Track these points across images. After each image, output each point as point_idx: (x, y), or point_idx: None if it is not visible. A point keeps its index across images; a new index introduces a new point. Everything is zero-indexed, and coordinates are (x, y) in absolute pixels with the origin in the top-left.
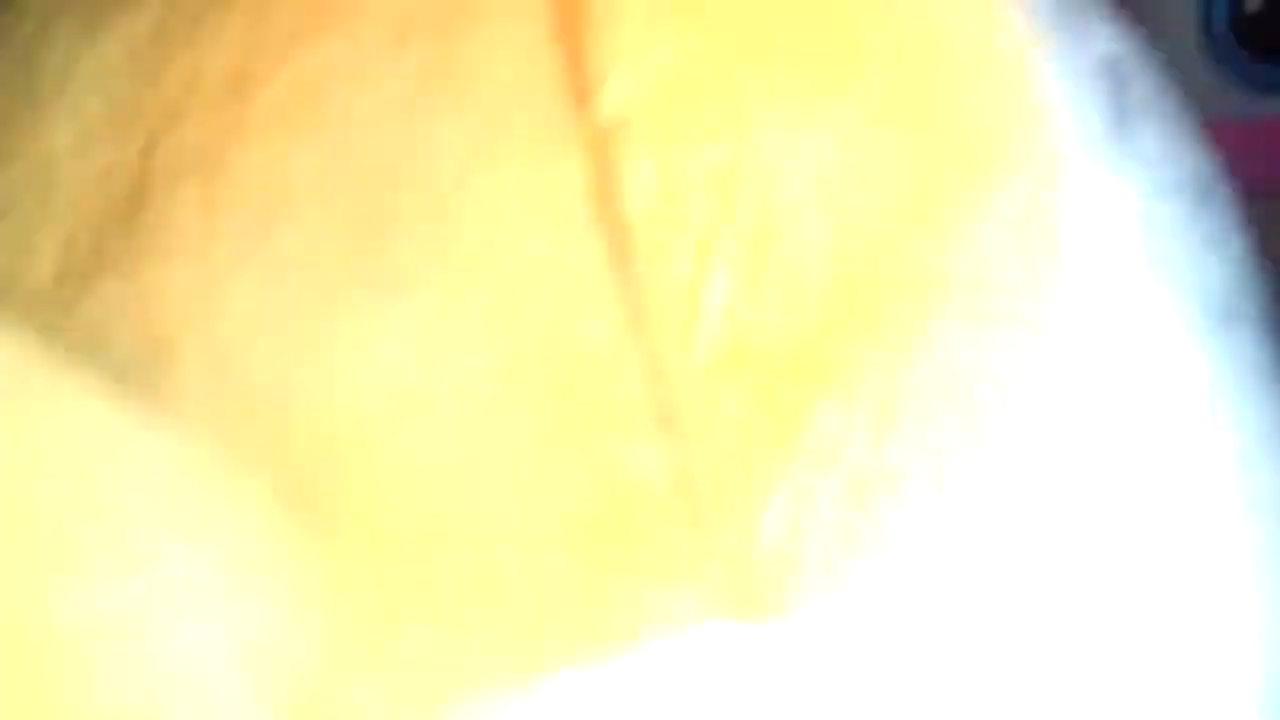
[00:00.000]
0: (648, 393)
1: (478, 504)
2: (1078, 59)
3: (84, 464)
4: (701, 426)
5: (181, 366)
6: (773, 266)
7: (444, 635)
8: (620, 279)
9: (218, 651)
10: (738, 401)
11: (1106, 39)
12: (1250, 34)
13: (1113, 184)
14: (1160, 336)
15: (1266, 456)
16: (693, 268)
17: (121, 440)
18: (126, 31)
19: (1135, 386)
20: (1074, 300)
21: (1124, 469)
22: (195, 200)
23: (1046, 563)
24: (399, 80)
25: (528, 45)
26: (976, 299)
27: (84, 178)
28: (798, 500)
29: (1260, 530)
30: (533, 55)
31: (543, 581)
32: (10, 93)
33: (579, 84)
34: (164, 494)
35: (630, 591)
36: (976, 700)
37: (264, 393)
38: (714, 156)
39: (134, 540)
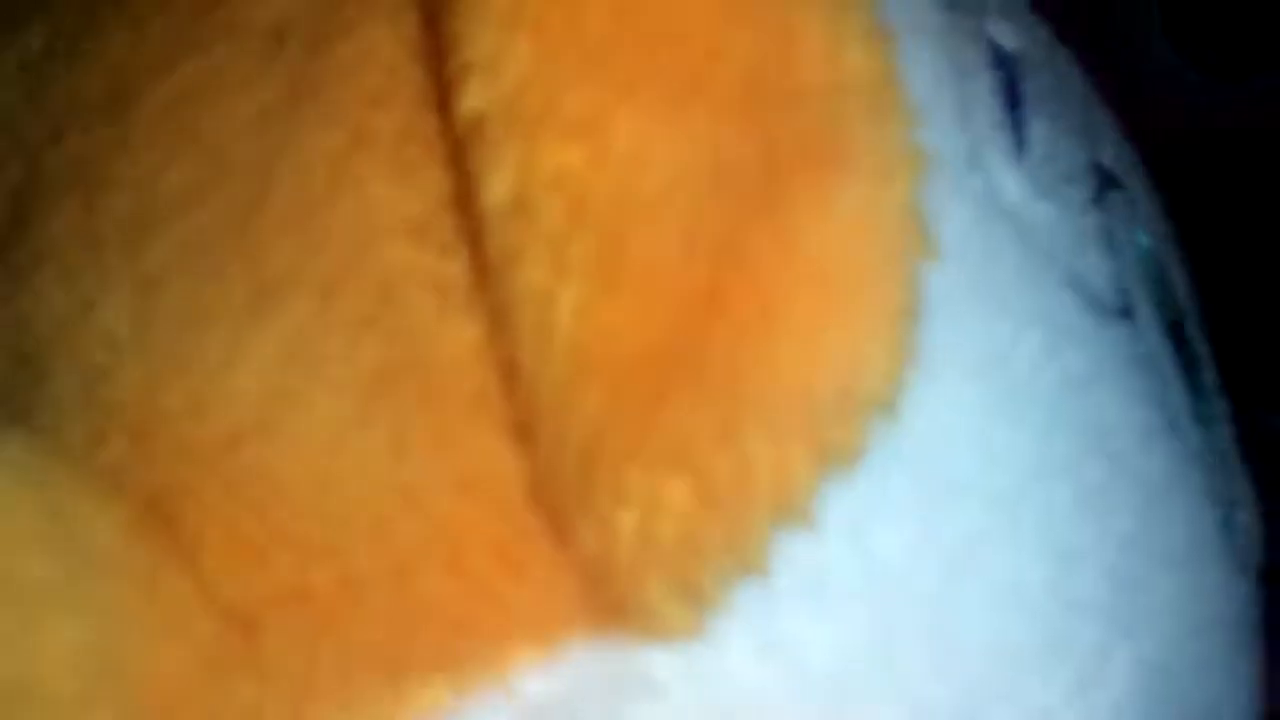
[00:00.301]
0: (505, 398)
1: (342, 514)
2: (967, 53)
3: None
4: (556, 432)
5: (52, 384)
6: (624, 268)
7: (309, 645)
8: (480, 284)
9: (72, 659)
10: (590, 405)
11: (1003, 33)
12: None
13: (993, 178)
14: (1037, 329)
15: (1149, 449)
16: (546, 271)
17: None
18: (18, 52)
19: (1002, 376)
20: (930, 295)
21: (999, 460)
22: (73, 217)
23: (910, 562)
24: (270, 92)
25: (392, 55)
26: (820, 296)
27: None
28: (648, 504)
29: (1142, 520)
30: (396, 65)
31: (406, 590)
32: None
33: (440, 92)
34: (19, 507)
35: (494, 600)
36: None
37: (130, 410)
38: (567, 159)
39: None
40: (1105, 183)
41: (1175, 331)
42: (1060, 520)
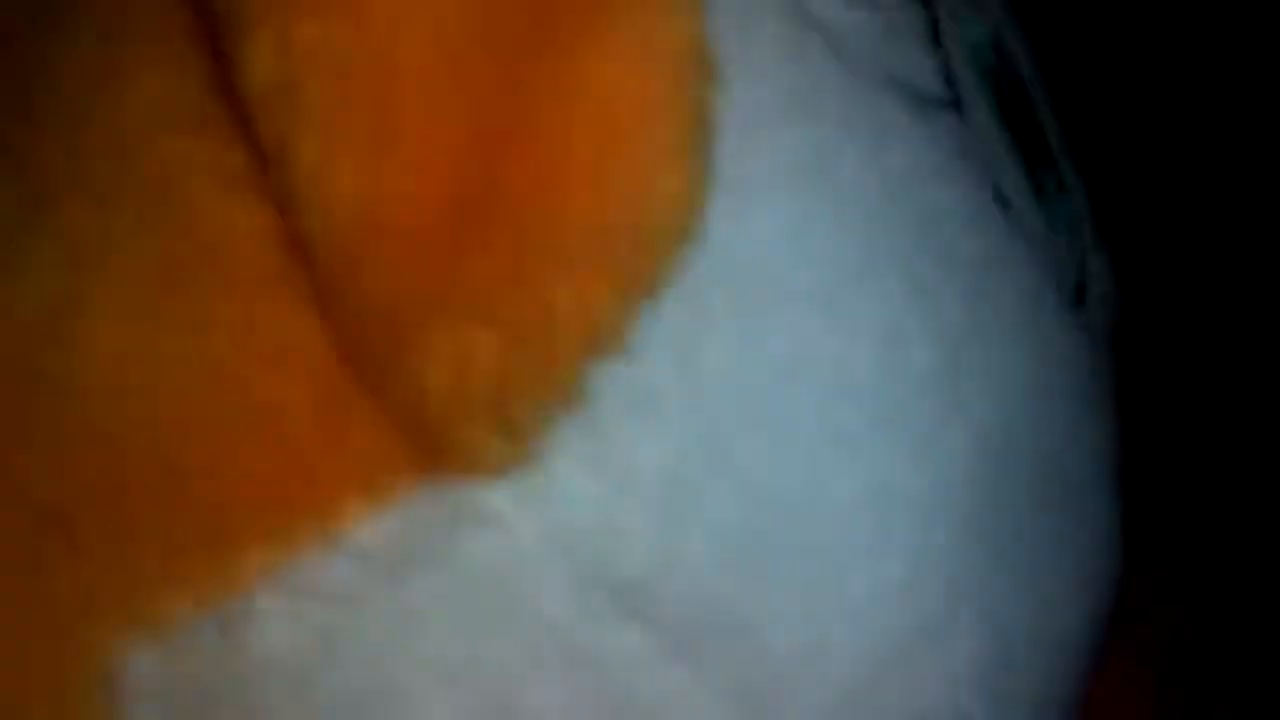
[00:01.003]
0: (303, 275)
1: (148, 410)
2: None
3: None
4: (354, 302)
5: None
6: (397, 133)
7: (127, 536)
8: (261, 167)
9: None
10: (383, 272)
11: None
12: None
13: None
14: (856, 133)
15: (976, 231)
16: (318, 149)
17: None
18: None
19: (821, 183)
20: (741, 113)
21: (824, 263)
22: None
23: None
24: (23, 2)
25: None
26: (603, 134)
27: None
28: (457, 359)
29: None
30: None
31: (226, 468)
32: None
33: None
34: None
35: (314, 466)
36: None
37: None
38: (325, 31)
39: None
40: None
41: (1016, 111)
42: (889, 311)
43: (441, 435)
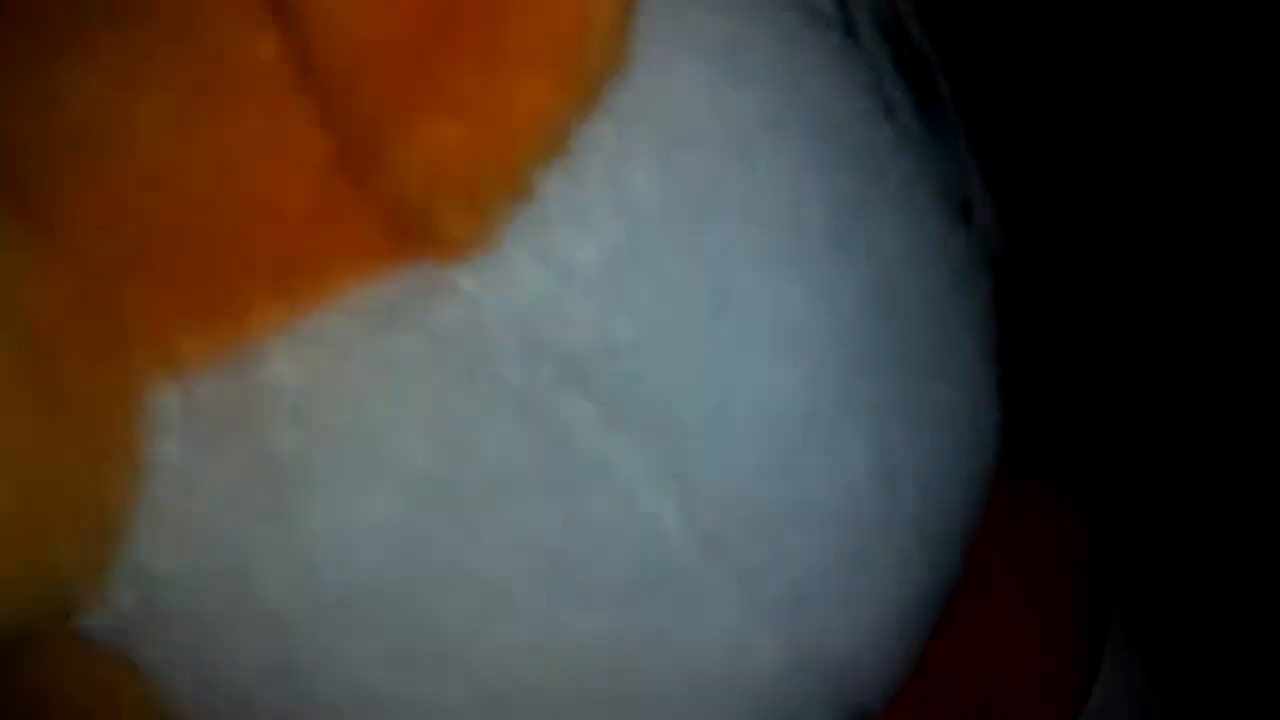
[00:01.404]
0: (306, 90)
1: (179, 194)
2: None
3: None
4: (349, 104)
5: None
6: None
7: (165, 293)
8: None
9: None
10: (369, 79)
11: None
12: None
13: None
14: (764, 25)
15: (867, 126)
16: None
17: None
18: None
19: (732, 54)
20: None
21: (730, 115)
22: None
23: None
24: None
25: None
26: None
27: None
28: (432, 144)
29: None
30: None
31: (241, 239)
32: None
33: None
34: None
35: (314, 241)
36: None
37: None
38: None
39: None
40: None
41: (902, 50)
42: (787, 163)
43: (419, 217)
